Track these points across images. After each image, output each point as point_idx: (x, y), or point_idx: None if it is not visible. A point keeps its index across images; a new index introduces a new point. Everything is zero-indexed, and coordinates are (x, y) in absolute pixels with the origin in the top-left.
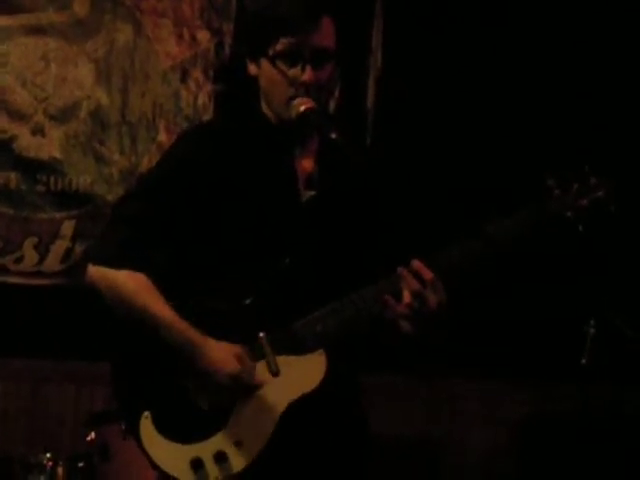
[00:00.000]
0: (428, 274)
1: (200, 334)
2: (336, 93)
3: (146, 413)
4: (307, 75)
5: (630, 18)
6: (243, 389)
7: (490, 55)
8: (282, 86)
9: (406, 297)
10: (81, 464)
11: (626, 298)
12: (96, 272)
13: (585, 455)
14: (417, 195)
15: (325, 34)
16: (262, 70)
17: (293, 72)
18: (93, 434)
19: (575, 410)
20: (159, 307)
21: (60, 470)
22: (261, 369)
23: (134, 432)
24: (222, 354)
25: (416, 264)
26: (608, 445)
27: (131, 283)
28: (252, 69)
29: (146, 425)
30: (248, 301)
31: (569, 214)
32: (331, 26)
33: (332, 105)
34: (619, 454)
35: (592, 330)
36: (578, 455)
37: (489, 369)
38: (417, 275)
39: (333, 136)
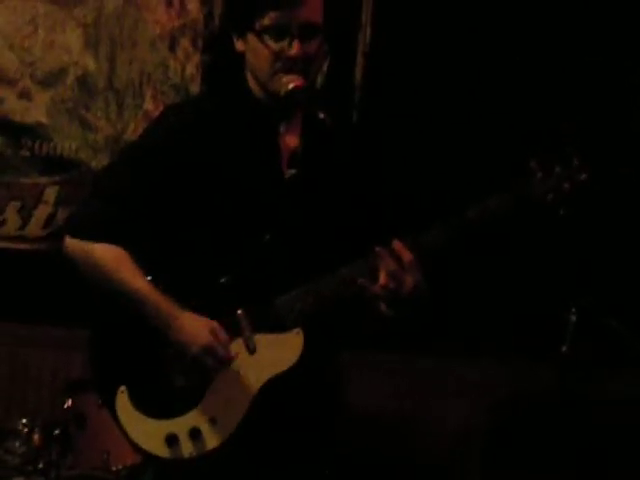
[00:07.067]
0: (408, 255)
1: (177, 306)
2: (324, 68)
3: (122, 388)
4: (294, 49)
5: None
6: (217, 363)
7: (479, 32)
8: (269, 60)
9: (382, 278)
10: (57, 432)
11: (607, 286)
12: (73, 244)
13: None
14: (402, 173)
15: (312, 8)
16: (249, 45)
17: (280, 46)
18: (70, 402)
19: (552, 391)
20: (136, 279)
21: (36, 437)
22: (238, 346)
23: (110, 406)
24: (197, 326)
25: (397, 245)
26: (583, 427)
27: (108, 255)
28: (239, 45)
29: (122, 400)
30: (227, 278)
31: (550, 197)
32: (318, 1)
33: (320, 80)
34: (593, 437)
35: (573, 318)
36: (554, 436)
37: (469, 348)
38: (396, 256)
39: (321, 116)
